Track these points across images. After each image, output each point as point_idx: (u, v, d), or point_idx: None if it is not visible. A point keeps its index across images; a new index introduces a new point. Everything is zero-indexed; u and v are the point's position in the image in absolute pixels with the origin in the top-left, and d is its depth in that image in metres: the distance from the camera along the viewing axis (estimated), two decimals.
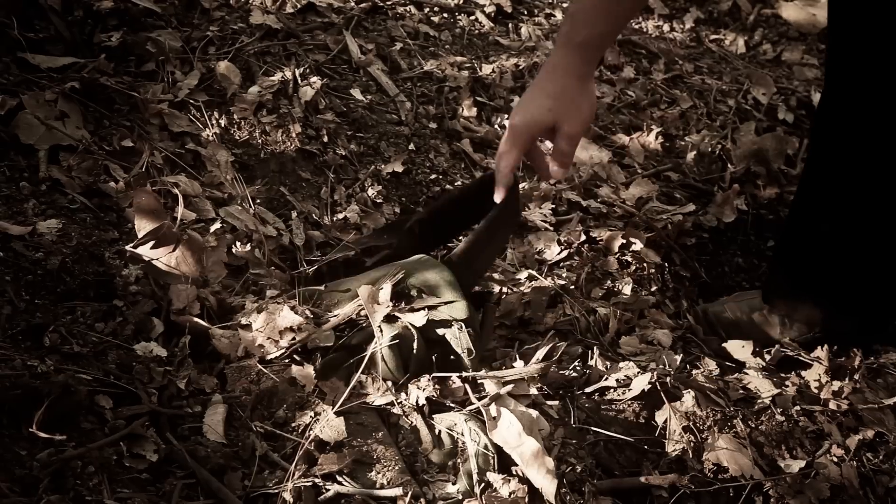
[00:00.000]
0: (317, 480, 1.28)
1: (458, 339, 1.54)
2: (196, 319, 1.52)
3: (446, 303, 1.58)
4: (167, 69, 2.01)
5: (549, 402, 1.48)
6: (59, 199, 1.62)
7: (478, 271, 1.74)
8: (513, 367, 1.54)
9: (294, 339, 1.49)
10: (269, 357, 1.48)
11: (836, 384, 1.70)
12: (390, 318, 1.52)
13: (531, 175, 2.28)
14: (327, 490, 1.28)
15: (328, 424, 1.35)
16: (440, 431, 1.42)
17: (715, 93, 2.78)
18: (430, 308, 1.55)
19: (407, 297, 1.58)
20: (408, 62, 2.44)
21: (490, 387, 1.47)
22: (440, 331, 1.55)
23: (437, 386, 1.46)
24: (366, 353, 1.46)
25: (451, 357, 1.55)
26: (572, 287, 1.91)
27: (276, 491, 1.26)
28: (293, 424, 1.38)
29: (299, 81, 2.13)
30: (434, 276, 1.62)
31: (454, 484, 1.35)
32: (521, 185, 2.18)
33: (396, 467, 1.34)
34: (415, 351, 1.50)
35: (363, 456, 1.34)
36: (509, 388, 1.47)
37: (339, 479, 1.30)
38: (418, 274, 1.60)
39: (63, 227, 1.54)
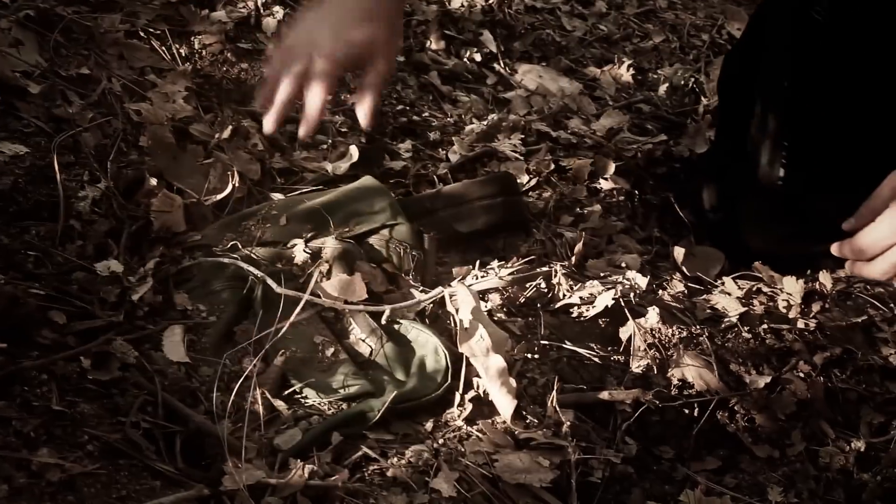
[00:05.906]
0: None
1: (402, 259, 1.53)
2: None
3: (390, 226, 1.57)
4: None
5: (511, 319, 1.47)
6: (12, 122, 1.58)
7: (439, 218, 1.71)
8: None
9: None
10: None
11: (805, 304, 1.70)
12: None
13: (500, 109, 2.26)
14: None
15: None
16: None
17: (688, 27, 2.75)
18: (373, 232, 1.55)
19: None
20: None
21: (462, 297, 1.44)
22: (381, 248, 1.54)
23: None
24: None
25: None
26: (540, 214, 1.89)
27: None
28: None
29: (262, 12, 2.09)
30: (380, 202, 1.60)
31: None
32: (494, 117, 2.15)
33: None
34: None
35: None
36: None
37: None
38: (363, 200, 1.59)
39: (16, 149, 1.51)
